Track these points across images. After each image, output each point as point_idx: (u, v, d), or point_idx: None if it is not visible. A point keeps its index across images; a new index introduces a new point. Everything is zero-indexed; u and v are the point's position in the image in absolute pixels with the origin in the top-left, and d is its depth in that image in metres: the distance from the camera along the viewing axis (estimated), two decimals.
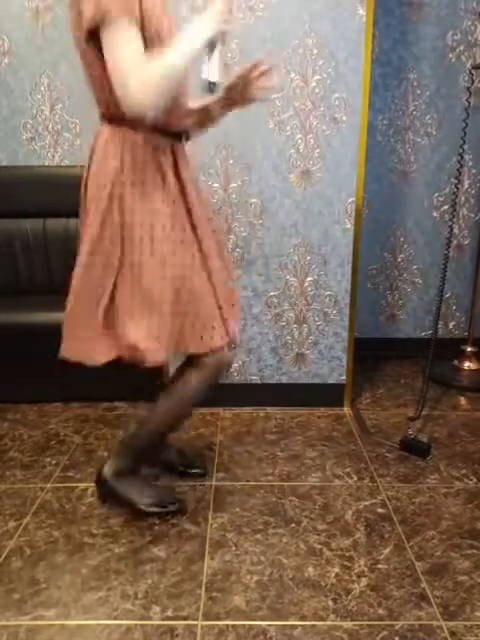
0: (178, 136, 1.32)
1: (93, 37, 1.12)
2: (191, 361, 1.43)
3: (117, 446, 1.62)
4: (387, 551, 1.40)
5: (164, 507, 1.53)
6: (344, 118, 1.94)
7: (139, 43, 1.11)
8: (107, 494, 1.54)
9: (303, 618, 1.20)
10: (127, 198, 1.23)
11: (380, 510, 1.56)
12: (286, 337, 2.15)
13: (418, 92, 2.50)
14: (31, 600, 1.25)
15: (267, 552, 1.40)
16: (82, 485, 1.68)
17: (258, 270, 2.07)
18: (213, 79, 1.18)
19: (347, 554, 1.39)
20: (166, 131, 1.27)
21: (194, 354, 1.39)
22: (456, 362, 2.55)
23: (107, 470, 1.52)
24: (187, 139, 1.36)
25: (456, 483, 1.69)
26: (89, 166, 1.31)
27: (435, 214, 2.63)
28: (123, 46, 1.09)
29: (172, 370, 1.57)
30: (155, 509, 1.52)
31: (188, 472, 1.72)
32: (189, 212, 1.32)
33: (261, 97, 1.37)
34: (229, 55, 1.86)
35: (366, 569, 1.34)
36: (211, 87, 1.19)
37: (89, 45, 1.15)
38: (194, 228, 1.32)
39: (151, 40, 1.14)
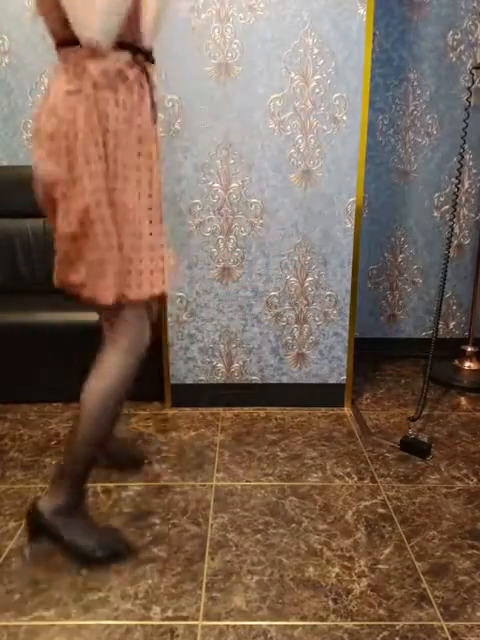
0: None
1: None
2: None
3: (53, 474, 1.44)
4: (387, 551, 1.40)
5: (112, 553, 1.35)
6: (344, 118, 1.93)
7: None
8: (42, 532, 1.33)
9: (303, 618, 1.20)
10: None
11: (380, 510, 1.56)
12: (286, 337, 2.15)
13: (418, 92, 2.50)
14: (31, 600, 1.25)
15: (267, 552, 1.40)
16: None
17: (258, 270, 2.07)
18: None
19: (347, 554, 1.39)
20: None
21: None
22: (456, 362, 2.55)
23: (44, 505, 1.31)
24: None
25: (456, 483, 1.69)
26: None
27: (435, 214, 2.63)
28: None
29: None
30: (102, 555, 1.34)
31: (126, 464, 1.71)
32: None
33: None
34: (229, 55, 1.86)
35: (366, 569, 1.34)
36: None
37: None
38: None
39: None
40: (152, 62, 1.26)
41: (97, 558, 1.33)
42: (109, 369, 1.31)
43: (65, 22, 1.15)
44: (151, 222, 1.23)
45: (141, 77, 1.21)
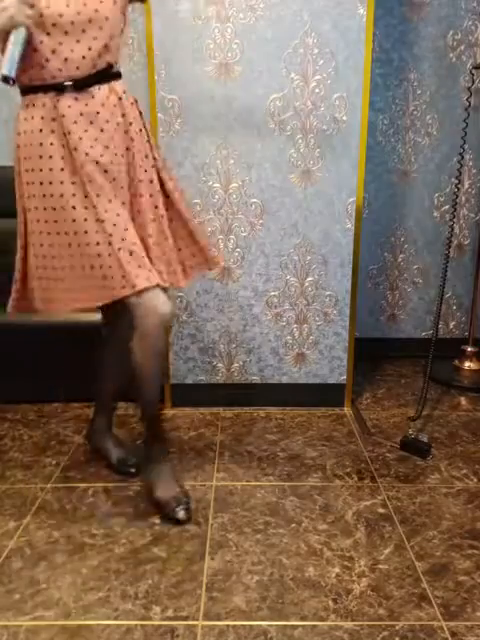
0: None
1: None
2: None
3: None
4: (387, 551, 1.40)
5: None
6: (344, 118, 1.93)
7: None
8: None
9: (303, 618, 1.20)
10: None
11: (380, 510, 1.56)
12: (286, 337, 2.15)
13: (418, 92, 2.50)
14: (31, 600, 1.25)
15: (267, 552, 1.40)
16: (82, 485, 1.67)
17: (258, 270, 2.07)
18: (5, 72, 1.20)
19: (347, 554, 1.39)
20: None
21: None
22: (456, 362, 2.55)
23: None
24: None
25: (456, 483, 1.69)
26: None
27: (435, 214, 2.63)
28: None
29: None
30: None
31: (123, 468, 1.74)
32: None
33: None
34: (229, 55, 1.86)
35: (366, 569, 1.34)
36: (5, 79, 1.20)
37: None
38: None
39: None
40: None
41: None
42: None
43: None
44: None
45: None
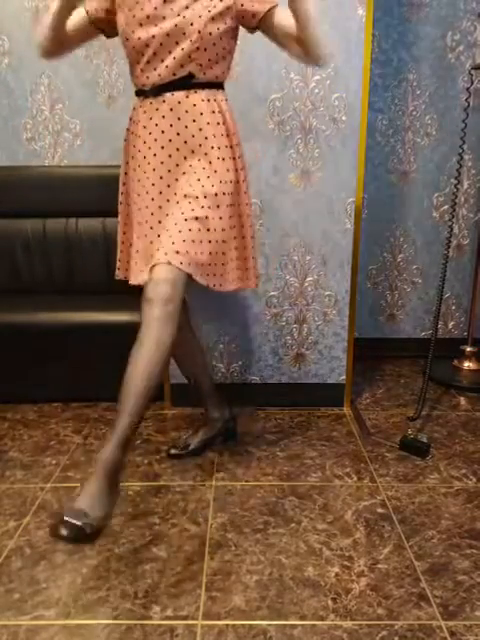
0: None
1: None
2: None
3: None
4: (387, 551, 1.40)
5: None
6: (344, 118, 1.94)
7: None
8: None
9: (303, 618, 1.20)
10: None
11: (380, 510, 1.57)
12: (286, 337, 2.15)
13: (418, 92, 2.50)
14: (31, 600, 1.25)
15: (267, 552, 1.40)
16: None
17: (258, 270, 2.07)
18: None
19: (347, 554, 1.39)
20: None
21: None
22: (456, 362, 2.56)
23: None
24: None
25: (456, 483, 1.69)
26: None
27: (435, 214, 2.63)
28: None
29: None
30: None
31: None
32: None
33: None
34: None
35: (366, 569, 1.34)
36: None
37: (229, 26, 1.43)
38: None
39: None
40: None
41: None
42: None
43: None
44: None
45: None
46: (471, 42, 2.44)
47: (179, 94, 1.41)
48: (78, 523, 1.20)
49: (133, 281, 1.55)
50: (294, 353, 2.17)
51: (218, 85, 1.48)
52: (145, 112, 1.45)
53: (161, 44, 1.36)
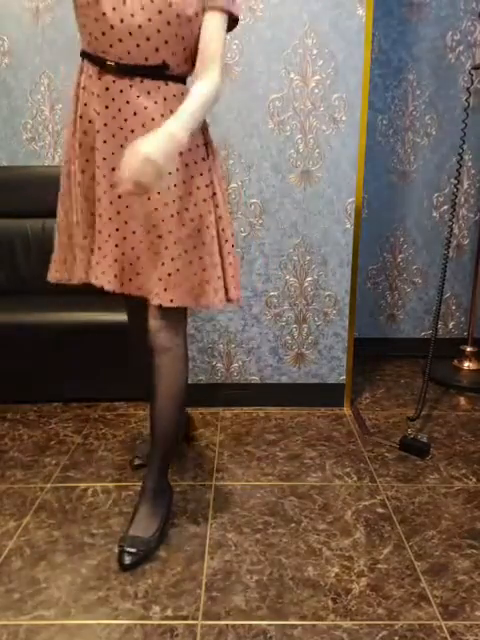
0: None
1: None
2: None
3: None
4: (387, 551, 1.40)
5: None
6: (344, 118, 1.94)
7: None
8: None
9: (303, 618, 1.20)
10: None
11: (380, 510, 1.57)
12: (286, 337, 2.15)
13: (418, 92, 2.50)
14: (31, 600, 1.25)
15: (267, 552, 1.40)
16: (82, 485, 1.68)
17: (258, 270, 2.08)
18: None
19: (347, 554, 1.39)
20: None
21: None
22: (456, 362, 2.56)
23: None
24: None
25: (456, 483, 1.69)
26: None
27: (435, 214, 2.64)
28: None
29: None
30: None
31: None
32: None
33: None
34: (229, 55, 1.87)
35: (366, 569, 1.34)
36: None
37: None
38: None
39: None
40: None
41: None
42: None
43: None
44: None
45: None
46: (471, 42, 2.44)
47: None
48: (133, 550, 1.36)
49: (95, 282, 1.33)
50: (294, 353, 2.17)
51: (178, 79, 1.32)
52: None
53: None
